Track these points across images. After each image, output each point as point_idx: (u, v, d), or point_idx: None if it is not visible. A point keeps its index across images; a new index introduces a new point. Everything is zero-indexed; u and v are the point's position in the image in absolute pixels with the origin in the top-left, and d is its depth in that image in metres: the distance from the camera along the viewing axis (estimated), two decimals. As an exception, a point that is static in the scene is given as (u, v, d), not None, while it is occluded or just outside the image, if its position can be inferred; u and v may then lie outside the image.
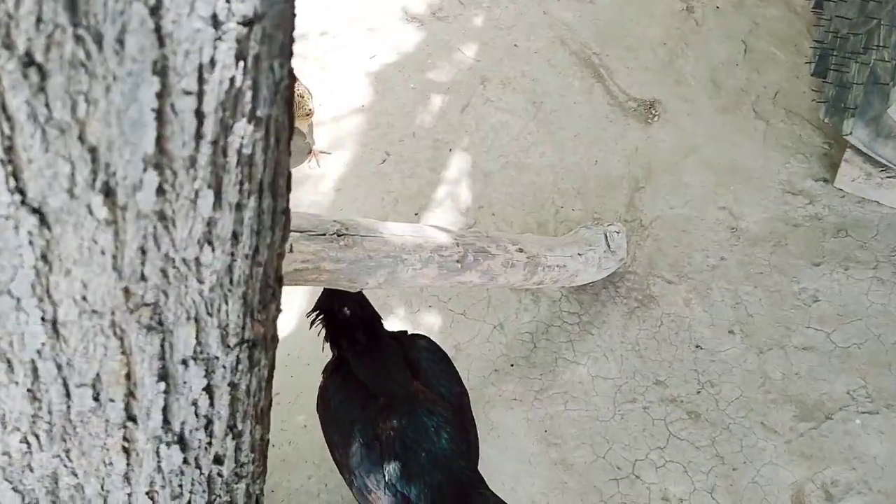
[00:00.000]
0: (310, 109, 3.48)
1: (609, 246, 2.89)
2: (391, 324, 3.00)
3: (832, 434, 2.78)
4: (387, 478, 2.03)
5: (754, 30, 4.09)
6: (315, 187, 3.58)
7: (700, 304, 3.09)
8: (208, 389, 0.99)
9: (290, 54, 0.87)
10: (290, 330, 3.00)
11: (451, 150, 3.69)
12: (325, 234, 1.72)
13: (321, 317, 2.17)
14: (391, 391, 2.12)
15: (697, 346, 2.99)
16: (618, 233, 2.97)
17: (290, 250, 1.62)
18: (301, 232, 1.67)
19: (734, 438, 2.77)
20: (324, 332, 2.21)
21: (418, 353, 2.22)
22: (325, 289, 2.09)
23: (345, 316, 2.14)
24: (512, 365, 2.97)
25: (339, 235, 1.74)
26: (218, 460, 1.07)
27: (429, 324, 3.09)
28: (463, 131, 3.75)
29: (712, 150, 3.60)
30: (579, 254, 2.69)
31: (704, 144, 3.62)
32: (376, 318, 2.24)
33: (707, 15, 4.17)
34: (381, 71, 4.05)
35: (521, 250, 2.38)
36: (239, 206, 0.88)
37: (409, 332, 2.32)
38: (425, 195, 3.52)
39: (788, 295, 3.11)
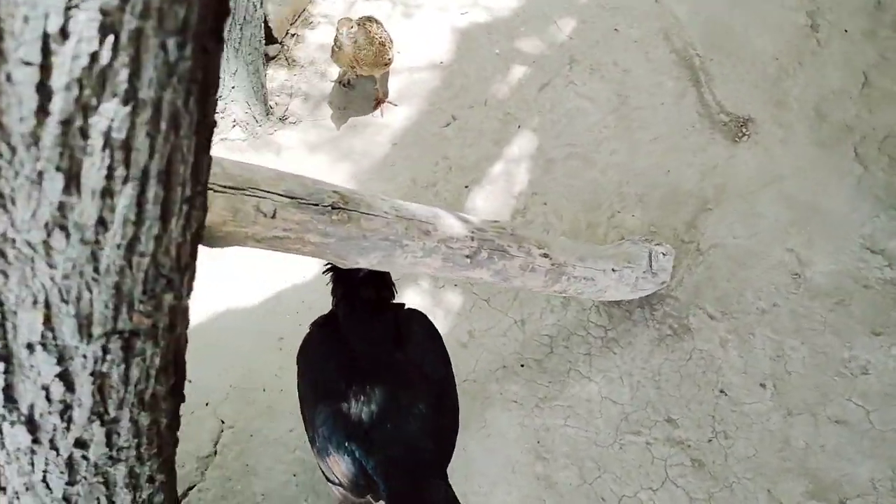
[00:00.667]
0: (388, 59, 3.36)
1: (651, 267, 2.70)
2: (409, 295, 2.91)
3: (842, 521, 2.56)
4: (347, 443, 1.96)
5: (880, 64, 3.72)
6: (372, 137, 3.47)
7: (737, 347, 2.87)
8: (63, 377, 0.91)
9: (203, 33, 0.75)
10: (308, 279, 2.94)
11: (519, 127, 3.51)
12: (317, 205, 1.61)
13: (334, 268, 2.10)
14: (374, 356, 2.03)
15: (722, 392, 2.78)
16: (664, 254, 2.77)
17: (273, 216, 1.52)
18: (291, 198, 1.56)
19: (734, 499, 2.58)
20: (332, 283, 2.16)
21: (410, 326, 2.12)
22: None
23: (359, 274, 2.06)
24: (522, 365, 2.83)
25: (333, 208, 1.63)
26: (82, 444, 1.00)
27: (449, 302, 2.98)
28: (536, 110, 3.56)
29: (797, 184, 3.31)
30: (614, 269, 2.51)
31: (790, 176, 3.33)
32: (389, 286, 2.15)
33: (832, 37, 3.81)
34: (468, 29, 3.87)
35: (546, 255, 2.23)
36: (106, 193, 0.78)
37: (407, 307, 2.21)
38: (481, 169, 3.37)
39: (836, 360, 2.85)
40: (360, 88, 3.63)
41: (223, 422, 2.70)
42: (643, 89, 3.63)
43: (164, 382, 1.07)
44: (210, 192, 1.42)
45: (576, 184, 3.32)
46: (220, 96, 3.28)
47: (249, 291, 3.00)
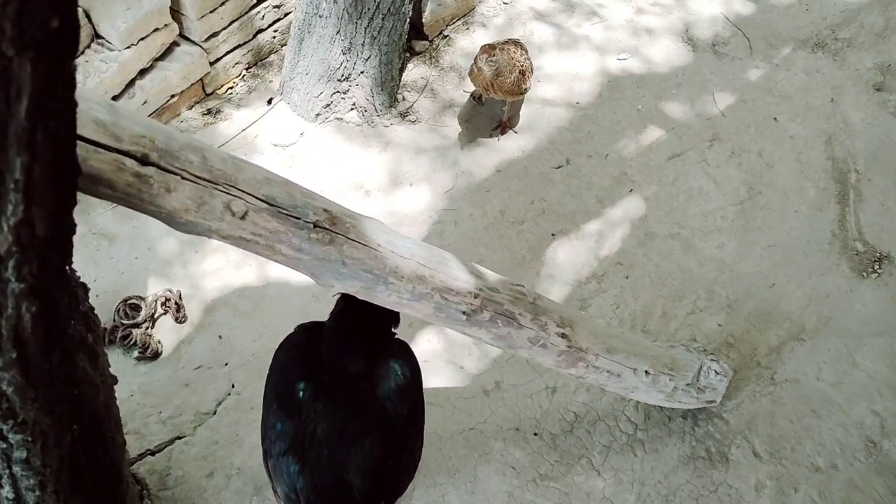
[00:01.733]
0: (525, 89, 3.27)
1: (697, 380, 2.47)
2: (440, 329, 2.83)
3: None
4: (286, 456, 1.93)
5: None
6: (480, 157, 3.41)
7: (772, 498, 2.56)
8: None
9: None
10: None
11: (631, 190, 3.31)
12: (298, 218, 1.57)
13: None
14: (339, 377, 1.98)
15: (737, 539, 2.51)
16: (717, 373, 2.52)
17: (243, 217, 1.50)
18: (270, 205, 1.53)
19: None
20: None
21: (388, 361, 2.02)
22: None
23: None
24: (536, 434, 2.68)
25: (315, 226, 1.59)
26: None
27: (489, 346, 2.86)
28: (656, 178, 3.35)
29: (914, 344, 2.91)
30: (648, 372, 2.31)
31: (909, 334, 2.94)
32: (392, 317, 2.10)
33: None
34: (618, 76, 3.71)
35: (564, 336, 2.08)
36: None
37: (398, 339, 2.14)
38: (575, 221, 3.21)
39: (881, 552, 2.49)
40: (490, 107, 3.57)
41: (233, 386, 2.75)
42: (780, 190, 3.32)
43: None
44: (177, 177, 1.42)
45: (667, 267, 3.09)
46: (347, 77, 3.32)
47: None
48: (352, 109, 3.42)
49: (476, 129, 3.51)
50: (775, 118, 3.55)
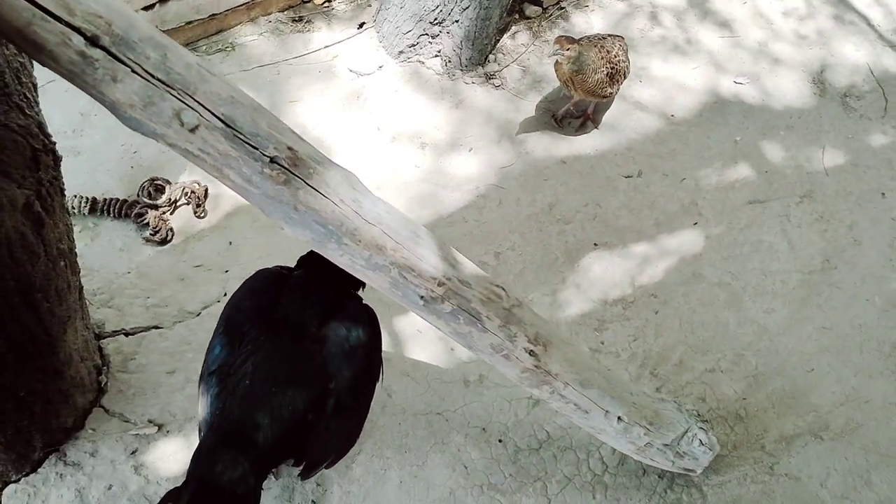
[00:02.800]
0: (607, 94, 3.04)
1: (678, 444, 2.25)
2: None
3: None
4: (211, 376, 1.88)
5: None
6: (549, 143, 3.21)
7: (725, 591, 2.35)
8: None
9: None
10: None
11: (695, 224, 3.05)
12: (255, 148, 1.45)
13: None
14: (288, 320, 1.90)
15: None
16: (702, 443, 2.29)
17: (192, 131, 1.39)
18: (227, 126, 1.42)
19: None
20: None
21: (344, 320, 1.94)
22: None
23: None
24: (500, 441, 2.53)
25: (271, 161, 1.47)
26: None
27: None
28: (727, 219, 3.07)
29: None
30: (620, 418, 2.12)
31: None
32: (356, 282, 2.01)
33: None
34: (727, 100, 3.41)
35: (532, 354, 1.91)
36: None
37: (364, 303, 2.04)
38: (622, 237, 2.99)
39: None
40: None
41: (225, 294, 2.70)
42: (859, 271, 2.98)
43: None
44: (126, 69, 1.33)
45: (703, 315, 2.84)
46: (440, 21, 3.17)
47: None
48: (436, 56, 3.27)
49: (555, 116, 3.30)
50: (883, 193, 3.18)
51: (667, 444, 2.26)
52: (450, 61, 3.27)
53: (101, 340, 2.53)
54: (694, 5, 3.71)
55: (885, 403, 2.70)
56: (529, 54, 3.46)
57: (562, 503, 2.43)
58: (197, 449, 1.77)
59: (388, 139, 3.13)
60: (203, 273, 2.75)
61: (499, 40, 3.39)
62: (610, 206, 3.06)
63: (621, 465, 2.51)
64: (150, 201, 2.81)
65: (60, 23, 1.26)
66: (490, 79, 3.34)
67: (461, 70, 3.29)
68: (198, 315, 2.67)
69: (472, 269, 1.84)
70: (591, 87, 2.98)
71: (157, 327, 2.62)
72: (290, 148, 1.51)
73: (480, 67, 3.33)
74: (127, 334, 2.59)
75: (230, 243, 2.84)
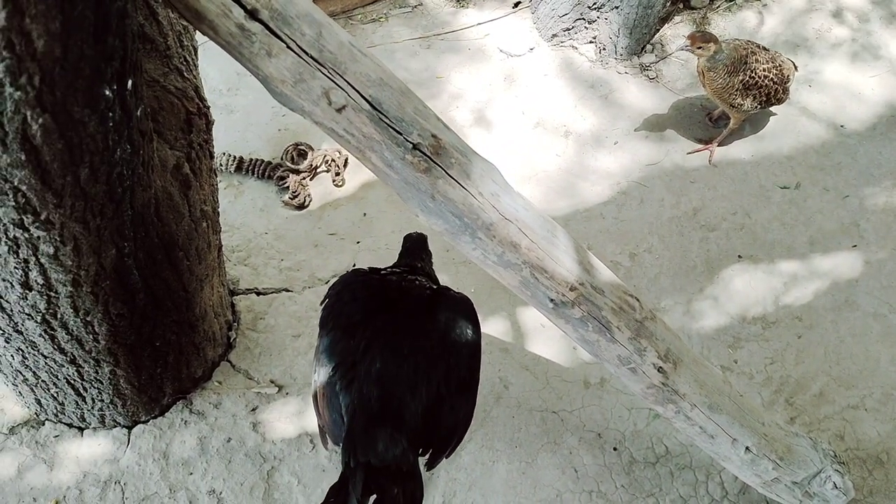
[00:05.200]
0: (738, 104, 2.78)
1: (808, 483, 2.09)
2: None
3: None
4: (336, 376, 1.87)
5: None
6: (679, 146, 3.03)
7: None
8: None
9: None
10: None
11: (855, 246, 2.81)
12: (399, 133, 1.42)
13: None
14: (397, 306, 1.90)
15: None
16: (836, 487, 2.12)
17: (340, 111, 1.38)
18: (375, 109, 1.39)
19: None
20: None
21: (449, 303, 1.94)
22: None
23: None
24: (615, 449, 2.44)
25: (414, 147, 1.44)
26: None
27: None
28: (892, 244, 2.81)
29: None
30: (748, 448, 1.98)
31: None
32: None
33: None
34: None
35: (660, 370, 1.81)
36: None
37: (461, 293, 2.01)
38: (769, 252, 2.80)
39: None
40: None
41: (355, 265, 2.74)
42: None
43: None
44: (282, 44, 1.33)
45: (852, 346, 2.62)
46: (599, 6, 3.05)
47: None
48: (590, 42, 3.15)
49: (705, 123, 3.11)
50: None
51: (796, 483, 2.10)
52: (604, 49, 3.14)
53: (235, 297, 2.62)
54: (880, 4, 3.39)
55: None
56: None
57: (673, 527, 2.32)
58: (347, 436, 1.74)
59: (532, 124, 3.05)
60: (336, 241, 2.79)
61: (658, 30, 3.23)
62: (761, 217, 2.87)
63: (742, 493, 2.37)
64: (293, 165, 2.87)
65: (224, -7, 1.26)
66: (645, 70, 3.19)
67: (615, 59, 3.16)
68: (327, 282, 2.71)
69: (608, 275, 1.76)
70: (718, 89, 2.77)
71: (287, 290, 2.68)
72: (433, 136, 1.47)
73: (636, 57, 3.19)
74: (259, 293, 2.67)
75: (364, 214, 2.86)
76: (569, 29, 3.14)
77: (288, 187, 2.83)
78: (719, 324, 2.66)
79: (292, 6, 1.33)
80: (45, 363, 1.77)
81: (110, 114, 1.15)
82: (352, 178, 2.92)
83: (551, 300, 1.67)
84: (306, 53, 1.34)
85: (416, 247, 2.18)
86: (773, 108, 2.99)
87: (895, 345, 2.63)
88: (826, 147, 3.03)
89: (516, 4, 3.34)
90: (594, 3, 3.03)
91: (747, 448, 1.99)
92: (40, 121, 1.02)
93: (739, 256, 2.78)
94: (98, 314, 1.59)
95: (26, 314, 1.49)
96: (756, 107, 2.80)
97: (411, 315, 1.92)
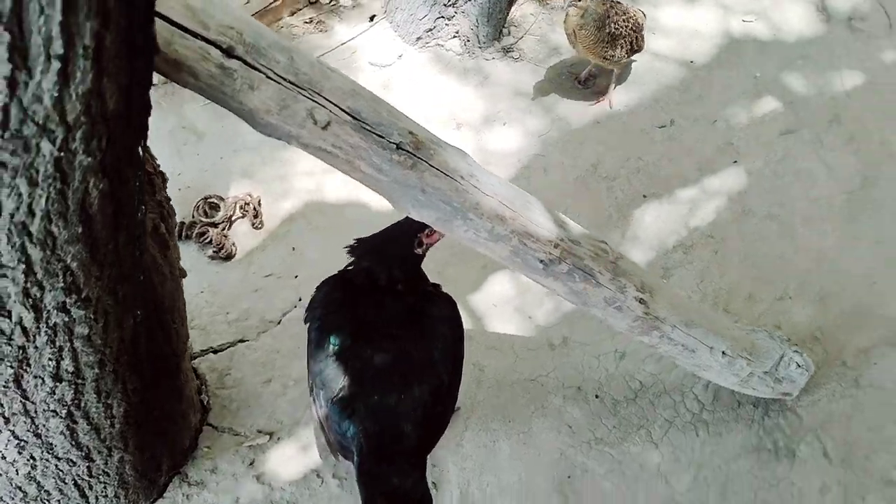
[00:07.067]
0: (610, 55, 3.02)
1: (776, 370, 2.33)
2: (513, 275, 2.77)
3: None
4: (332, 404, 1.91)
5: None
6: (576, 104, 3.26)
7: (838, 502, 2.43)
8: None
9: None
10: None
11: (735, 162, 3.13)
12: (382, 137, 1.49)
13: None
14: (381, 324, 1.95)
15: (789, 538, 2.39)
16: (799, 366, 2.37)
17: (325, 128, 1.43)
18: (354, 118, 1.46)
19: None
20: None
21: (431, 309, 2.01)
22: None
23: (417, 245, 2.00)
24: (597, 396, 2.60)
25: (398, 147, 1.51)
26: None
27: (557, 301, 2.77)
28: (764, 153, 3.15)
29: None
30: (724, 352, 2.19)
31: None
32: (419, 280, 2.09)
33: None
34: (740, 39, 3.49)
35: (642, 302, 1.97)
36: None
37: (441, 289, 2.09)
38: (669, 185, 3.06)
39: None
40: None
41: (300, 298, 2.74)
42: (897, 182, 3.08)
43: (65, 227, 1.00)
44: (262, 75, 1.36)
45: (761, 248, 2.92)
46: (454, 2, 3.21)
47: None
48: (454, 37, 3.31)
49: (578, 79, 3.36)
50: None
51: (766, 372, 2.33)
52: (468, 40, 3.31)
53: (193, 361, 2.55)
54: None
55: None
56: (541, 22, 3.51)
57: (668, 445, 2.50)
58: (361, 476, 1.84)
59: (422, 125, 3.16)
60: (274, 281, 2.78)
61: (508, 12, 3.43)
62: (650, 157, 3.13)
63: (716, 400, 2.58)
64: (208, 220, 2.83)
65: (198, 38, 1.29)
66: (508, 52, 3.39)
67: (480, 47, 3.33)
68: (279, 323, 2.69)
69: (577, 228, 1.90)
70: (591, 45, 3.00)
71: (242, 341, 2.65)
72: (410, 133, 1.55)
73: (497, 42, 3.38)
74: (215, 351, 2.61)
75: (293, 249, 2.86)
76: (431, 29, 3.28)
77: (210, 241, 2.78)
78: (647, 259, 2.88)
79: (262, 38, 1.37)
80: (56, 468, 1.69)
81: (139, 171, 1.15)
82: (270, 218, 2.91)
83: (541, 261, 1.79)
84: (285, 80, 1.39)
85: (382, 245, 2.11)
86: (633, 57, 3.26)
87: (794, 237, 2.95)
88: (684, 83, 3.34)
89: (372, 18, 3.44)
90: (449, 1, 3.19)
91: (723, 352, 2.20)
92: (100, 186, 1.01)
93: (644, 196, 3.02)
94: (118, 394, 1.54)
95: (52, 411, 1.43)
96: (624, 56, 3.05)
97: (396, 326, 1.98)
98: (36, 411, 1.42)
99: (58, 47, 0.79)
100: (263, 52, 1.36)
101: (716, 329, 2.20)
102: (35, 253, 1.00)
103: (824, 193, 3.05)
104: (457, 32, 3.29)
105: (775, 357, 2.34)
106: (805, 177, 3.09)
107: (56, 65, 0.80)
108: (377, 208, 2.89)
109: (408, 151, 1.52)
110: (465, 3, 3.20)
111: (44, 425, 1.48)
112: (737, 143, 3.17)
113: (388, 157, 1.50)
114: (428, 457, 1.99)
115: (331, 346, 1.93)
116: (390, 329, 1.96)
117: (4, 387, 1.29)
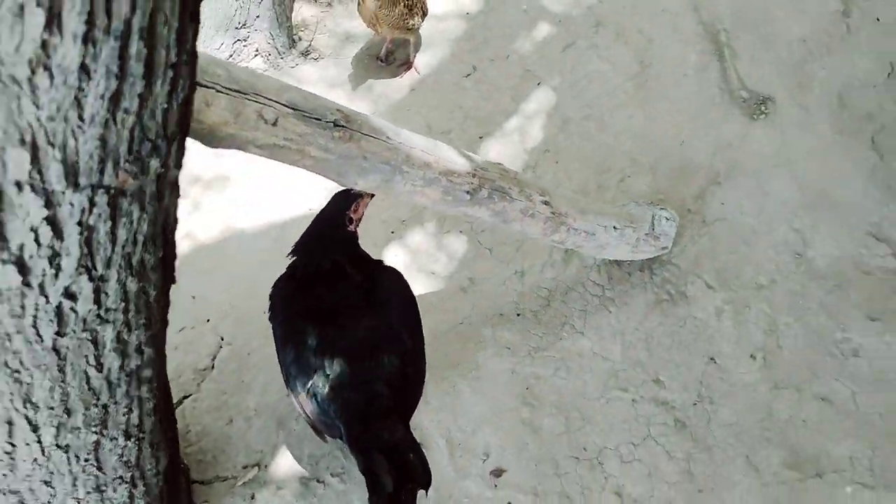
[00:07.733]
0: (411, 25, 3.26)
1: (653, 229, 2.72)
2: (414, 236, 2.96)
3: (815, 492, 2.60)
4: (310, 386, 2.03)
5: (910, 55, 3.69)
6: (391, 81, 3.50)
7: (732, 318, 2.89)
8: (51, 222, 0.93)
9: None
10: (313, 211, 2.98)
11: (538, 84, 3.52)
12: (319, 119, 1.64)
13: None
14: (338, 304, 2.10)
15: (711, 359, 2.81)
16: (668, 219, 2.79)
17: (274, 124, 1.56)
18: (294, 109, 1.59)
19: (712, 462, 2.62)
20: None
21: (382, 281, 2.20)
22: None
23: (348, 223, 2.14)
24: (518, 314, 2.87)
25: (335, 125, 1.66)
26: (71, 296, 1.02)
27: (452, 248, 3.02)
28: (557, 70, 3.57)
29: (809, 167, 3.30)
30: (615, 227, 2.54)
31: (802, 159, 3.32)
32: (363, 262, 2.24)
33: (863, 24, 3.77)
34: (498, -16, 3.87)
35: (546, 203, 2.26)
36: (89, 39, 0.80)
37: (384, 264, 2.28)
38: (496, 122, 3.39)
39: (828, 341, 2.87)
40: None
41: (222, 338, 2.76)
42: (666, 59, 3.62)
43: (153, 252, 1.09)
44: (213, 90, 1.46)
45: (588, 145, 3.34)
46: (244, 23, 3.31)
47: (257, 219, 3.06)
48: (256, 56, 3.41)
49: (380, 57, 3.59)
50: (646, -4, 3.85)
51: (647, 234, 2.72)
52: (269, 54, 3.42)
53: (146, 436, 2.50)
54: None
55: (740, 136, 3.37)
56: (323, 20, 3.69)
57: (591, 329, 2.83)
58: (352, 443, 1.97)
59: (261, 144, 3.25)
60: (190, 332, 2.77)
61: (290, 18, 3.58)
62: (469, 104, 3.44)
63: (611, 279, 2.96)
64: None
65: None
66: (307, 55, 3.54)
67: (281, 57, 3.46)
68: (213, 368, 2.70)
69: (478, 157, 2.14)
70: (395, 21, 3.26)
71: (186, 397, 2.63)
72: (338, 110, 1.71)
73: (294, 49, 3.52)
74: (163, 419, 2.57)
75: (193, 297, 2.86)
76: (231, 55, 3.35)
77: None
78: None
79: (199, 56, 1.46)
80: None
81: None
82: (154, 279, 2.88)
83: (467, 192, 2.01)
84: (230, 89, 1.49)
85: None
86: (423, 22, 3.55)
87: (608, 126, 3.39)
88: (469, 33, 3.68)
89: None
90: (239, 23, 3.28)
91: (614, 227, 2.55)
92: (176, 202, 1.07)
93: (480, 137, 3.33)
94: (163, 448, 1.56)
95: (119, 477, 1.43)
96: (420, 22, 3.32)
97: (355, 305, 2.13)
98: (107, 483, 1.42)
99: (173, 56, 0.87)
100: (205, 69, 1.45)
101: (602, 211, 2.55)
102: (132, 287, 1.05)
103: (616, 85, 3.52)
104: (257, 50, 3.39)
105: (649, 218, 2.73)
106: (596, 77, 3.55)
107: (170, 74, 0.88)
108: (253, 230, 2.97)
109: (344, 126, 1.67)
110: (255, 19, 3.31)
111: (110, 499, 1.48)
112: (533, 69, 3.56)
113: (331, 135, 1.65)
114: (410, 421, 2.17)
115: (297, 336, 2.05)
116: (348, 309, 2.10)
117: (85, 461, 1.29)
